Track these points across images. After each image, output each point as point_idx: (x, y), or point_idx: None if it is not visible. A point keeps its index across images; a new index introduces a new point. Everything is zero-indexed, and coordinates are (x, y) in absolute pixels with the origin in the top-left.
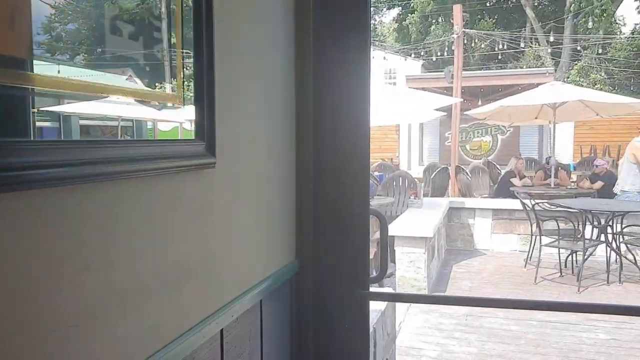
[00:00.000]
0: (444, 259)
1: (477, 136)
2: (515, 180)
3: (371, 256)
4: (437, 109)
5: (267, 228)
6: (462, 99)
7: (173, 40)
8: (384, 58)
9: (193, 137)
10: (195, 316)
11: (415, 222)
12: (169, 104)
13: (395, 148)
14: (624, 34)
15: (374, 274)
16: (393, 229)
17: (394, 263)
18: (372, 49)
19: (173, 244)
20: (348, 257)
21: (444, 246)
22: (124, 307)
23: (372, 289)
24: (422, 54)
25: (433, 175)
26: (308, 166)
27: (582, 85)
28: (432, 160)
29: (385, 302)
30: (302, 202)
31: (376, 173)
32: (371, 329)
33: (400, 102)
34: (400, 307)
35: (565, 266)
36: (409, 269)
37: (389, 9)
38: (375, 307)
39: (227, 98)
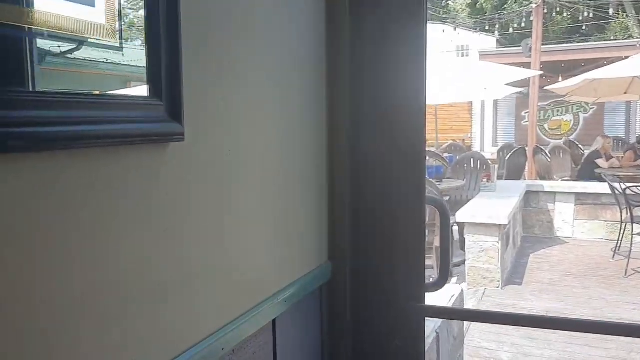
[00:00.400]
0: (520, 247)
1: (557, 115)
2: (602, 162)
3: (432, 256)
4: (513, 85)
5: (283, 223)
6: (541, 72)
7: None
8: (455, 30)
9: (145, 95)
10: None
11: (488, 207)
12: (96, 39)
13: (467, 128)
14: None
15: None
16: (463, 215)
17: (464, 251)
18: (442, 24)
19: (116, 255)
20: (397, 260)
21: (520, 233)
22: (28, 352)
23: (430, 296)
24: (497, 26)
25: (508, 156)
26: (343, 148)
27: None
28: (506, 141)
29: (453, 299)
30: (335, 190)
31: (446, 154)
32: (434, 335)
33: (473, 76)
34: (469, 300)
35: None
36: (481, 259)
37: None
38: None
39: (204, 35)
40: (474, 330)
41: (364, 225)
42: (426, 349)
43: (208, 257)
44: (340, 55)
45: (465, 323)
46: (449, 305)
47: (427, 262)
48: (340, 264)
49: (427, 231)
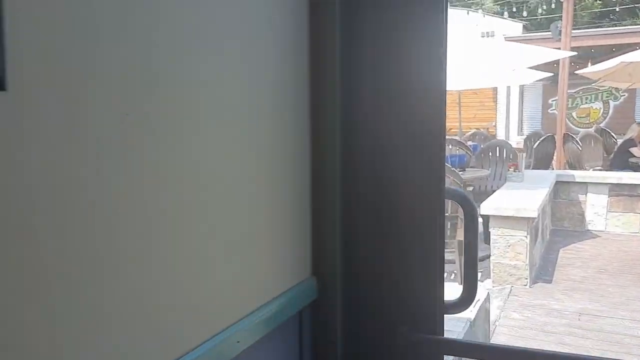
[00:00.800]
0: (548, 241)
1: (586, 102)
2: (636, 150)
3: (454, 250)
4: (541, 69)
5: (236, 231)
6: (574, 52)
7: None
8: (480, 11)
9: None
10: None
11: (515, 198)
12: None
13: (491, 117)
14: None
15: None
16: (488, 208)
17: (488, 245)
18: (467, 11)
19: None
20: (406, 275)
21: (548, 226)
22: None
23: (450, 319)
24: (523, 9)
25: (536, 144)
26: (333, 131)
27: None
28: (532, 130)
29: (478, 304)
30: (321, 184)
31: (469, 143)
32: None
33: (499, 58)
34: (494, 299)
35: None
36: (507, 255)
37: None
38: (462, 315)
39: None
40: (500, 335)
41: (361, 229)
42: None
43: (72, 296)
44: (328, 23)
45: (491, 325)
46: (473, 313)
47: (448, 256)
48: (328, 281)
49: (448, 224)
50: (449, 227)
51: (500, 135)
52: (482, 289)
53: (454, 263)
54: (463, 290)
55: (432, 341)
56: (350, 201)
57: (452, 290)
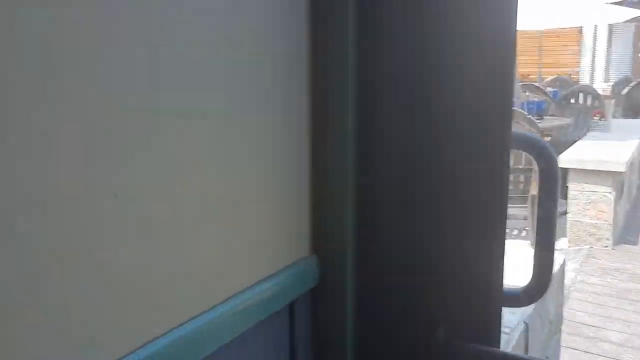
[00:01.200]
0: (634, 198)
1: None
2: None
3: (526, 206)
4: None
5: (194, 186)
6: None
7: None
8: None
9: None
10: None
11: (600, 150)
12: None
13: (575, 62)
14: None
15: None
16: (568, 160)
17: (565, 200)
18: None
19: None
20: (446, 255)
21: (635, 182)
22: None
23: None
24: None
25: (625, 91)
26: (343, 55)
27: None
28: (621, 76)
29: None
30: (324, 126)
31: (549, 89)
32: (522, 328)
33: None
34: (568, 261)
35: None
36: (587, 212)
37: None
38: None
39: None
40: (574, 301)
41: (383, 188)
42: (510, 348)
43: None
44: None
45: (565, 290)
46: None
47: (521, 211)
48: (333, 261)
49: (521, 177)
50: (522, 180)
51: (584, 81)
52: (559, 255)
53: (526, 219)
54: (532, 277)
55: (483, 354)
56: (370, 151)
57: (519, 254)
